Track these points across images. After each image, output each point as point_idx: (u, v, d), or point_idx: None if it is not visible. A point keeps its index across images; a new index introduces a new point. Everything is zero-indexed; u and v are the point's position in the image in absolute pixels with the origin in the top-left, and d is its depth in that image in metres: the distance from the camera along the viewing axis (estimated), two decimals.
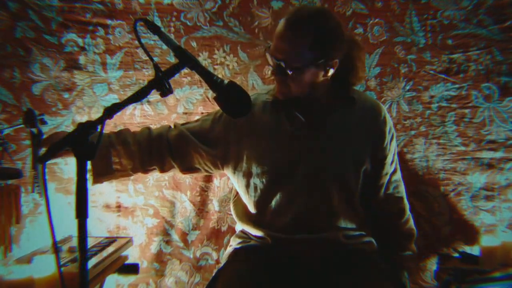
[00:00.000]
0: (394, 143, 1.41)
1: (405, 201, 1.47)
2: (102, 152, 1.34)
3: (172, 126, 1.46)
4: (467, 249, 1.87)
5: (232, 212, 1.53)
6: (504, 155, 1.88)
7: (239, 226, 1.52)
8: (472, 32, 1.87)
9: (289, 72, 1.23)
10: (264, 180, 1.37)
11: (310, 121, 1.34)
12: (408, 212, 1.48)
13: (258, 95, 1.46)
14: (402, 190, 1.46)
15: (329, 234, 1.35)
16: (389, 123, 1.39)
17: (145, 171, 1.43)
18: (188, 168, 1.45)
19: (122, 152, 1.37)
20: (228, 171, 1.45)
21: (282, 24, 1.23)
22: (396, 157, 1.43)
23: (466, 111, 1.89)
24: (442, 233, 1.90)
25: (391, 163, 1.41)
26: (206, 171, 1.49)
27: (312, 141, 1.34)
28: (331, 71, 1.27)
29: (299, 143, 1.35)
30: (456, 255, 1.83)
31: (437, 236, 1.91)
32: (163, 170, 1.43)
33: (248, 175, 1.40)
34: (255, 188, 1.39)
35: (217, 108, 1.33)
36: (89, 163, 1.17)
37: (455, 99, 1.90)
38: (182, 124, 1.46)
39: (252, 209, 1.42)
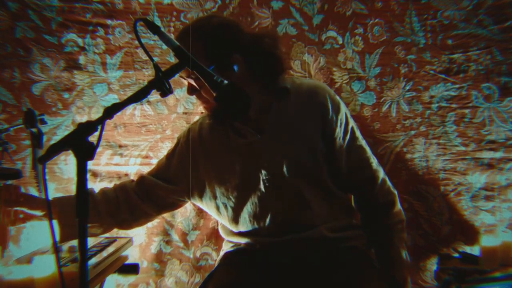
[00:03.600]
0: (342, 115, 1.37)
1: (375, 167, 1.44)
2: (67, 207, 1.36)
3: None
4: (467, 249, 1.87)
5: (221, 234, 1.56)
6: (504, 155, 1.88)
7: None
8: (472, 32, 1.87)
9: (193, 83, 1.26)
10: (230, 196, 1.39)
11: (252, 125, 1.34)
12: (381, 177, 1.44)
13: (203, 119, 1.49)
14: (368, 157, 1.43)
15: (312, 230, 1.35)
16: (330, 97, 1.37)
17: (117, 221, 1.45)
18: (161, 207, 1.49)
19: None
20: (195, 201, 1.48)
21: None
22: (351, 127, 1.40)
23: (466, 111, 1.89)
24: (442, 233, 1.90)
25: (344, 135, 1.38)
26: (180, 206, 1.54)
27: (261, 144, 1.34)
28: (236, 68, 1.27)
29: (250, 151, 1.35)
30: (456, 255, 1.83)
31: (437, 236, 1.90)
32: (134, 218, 1.46)
33: (214, 198, 1.42)
34: (225, 206, 1.41)
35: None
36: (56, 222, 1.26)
37: (455, 99, 1.89)
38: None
39: (232, 227, 1.44)
